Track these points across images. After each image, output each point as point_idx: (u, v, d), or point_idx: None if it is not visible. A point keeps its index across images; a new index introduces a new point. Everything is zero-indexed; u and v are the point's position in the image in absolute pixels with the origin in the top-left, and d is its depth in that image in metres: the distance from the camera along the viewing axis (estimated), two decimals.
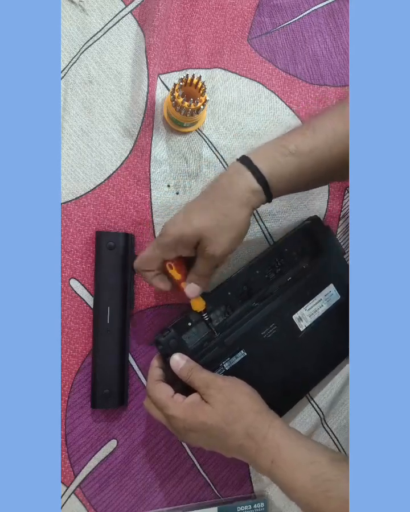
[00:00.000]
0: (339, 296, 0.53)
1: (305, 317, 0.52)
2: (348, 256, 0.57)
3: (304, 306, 0.52)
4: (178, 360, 0.45)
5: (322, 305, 0.52)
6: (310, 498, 0.38)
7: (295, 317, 0.51)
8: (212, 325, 0.49)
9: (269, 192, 0.42)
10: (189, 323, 0.48)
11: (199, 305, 0.47)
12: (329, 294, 0.53)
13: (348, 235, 0.58)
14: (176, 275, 0.46)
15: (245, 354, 0.49)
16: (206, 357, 0.48)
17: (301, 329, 0.51)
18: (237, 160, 0.43)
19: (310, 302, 0.52)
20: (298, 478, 0.38)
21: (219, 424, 0.40)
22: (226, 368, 0.49)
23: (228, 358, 0.49)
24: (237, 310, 0.50)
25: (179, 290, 0.46)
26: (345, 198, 0.58)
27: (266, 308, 0.50)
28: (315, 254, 0.53)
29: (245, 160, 0.42)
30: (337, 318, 0.53)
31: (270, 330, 0.50)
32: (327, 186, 0.57)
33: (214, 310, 0.49)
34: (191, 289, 0.45)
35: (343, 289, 0.54)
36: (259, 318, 0.50)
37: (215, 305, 0.49)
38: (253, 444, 0.40)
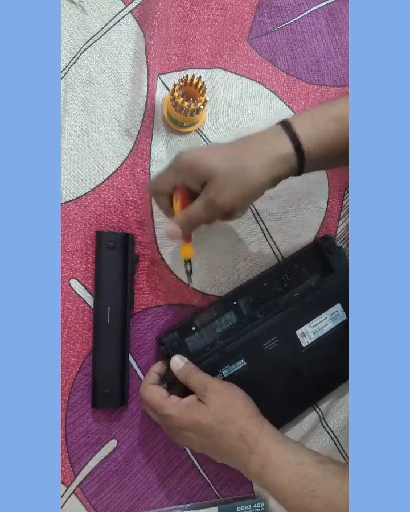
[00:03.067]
0: (346, 317, 0.53)
1: (309, 333, 0.51)
2: None
3: (309, 323, 0.52)
4: (178, 362, 0.46)
5: (327, 324, 0.52)
6: (297, 499, 0.39)
7: (298, 332, 0.51)
8: (214, 330, 0.49)
9: (302, 160, 0.40)
10: (194, 328, 0.49)
11: (187, 252, 0.46)
12: (335, 314, 0.52)
13: (348, 235, 0.58)
14: (177, 209, 0.43)
15: (245, 363, 0.49)
16: (206, 362, 0.48)
17: (303, 345, 0.51)
18: (277, 123, 0.41)
19: (315, 319, 0.52)
20: (286, 479, 0.39)
21: (213, 423, 0.41)
22: (225, 376, 0.49)
23: (227, 366, 0.49)
24: (241, 320, 0.51)
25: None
26: (345, 198, 0.58)
27: (270, 320, 0.50)
28: (325, 272, 0.53)
29: (285, 124, 0.40)
30: (342, 338, 0.52)
31: (272, 343, 0.50)
32: (327, 186, 0.57)
33: (220, 317, 0.50)
34: (170, 228, 0.42)
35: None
36: (263, 329, 0.50)
37: (221, 312, 0.50)
38: (244, 446, 0.41)
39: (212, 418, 0.41)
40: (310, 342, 0.51)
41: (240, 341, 0.49)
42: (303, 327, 0.51)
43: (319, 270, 0.53)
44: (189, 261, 0.46)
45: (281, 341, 0.50)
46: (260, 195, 0.41)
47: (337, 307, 0.53)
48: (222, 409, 0.42)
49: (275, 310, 0.51)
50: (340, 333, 0.52)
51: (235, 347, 0.49)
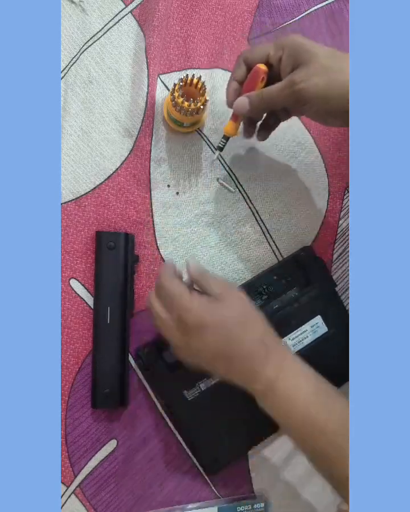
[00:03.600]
0: (326, 329, 0.52)
1: (288, 346, 0.51)
2: (340, 288, 0.56)
3: (288, 336, 0.51)
4: (194, 264, 0.42)
5: (307, 336, 0.52)
6: (310, 407, 0.37)
7: None
8: None
9: None
10: None
11: (230, 128, 0.47)
12: (315, 326, 0.52)
13: (348, 235, 0.58)
14: (258, 87, 0.43)
15: None
16: (183, 375, 0.48)
17: None
18: None
19: (295, 332, 0.51)
20: (302, 386, 0.38)
21: (239, 318, 0.38)
22: (202, 389, 0.49)
23: (205, 379, 0.49)
24: None
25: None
26: (345, 198, 0.58)
27: None
28: (305, 284, 0.52)
29: None
30: (323, 351, 0.52)
31: None
32: (327, 186, 0.57)
33: None
34: (241, 100, 0.43)
35: (331, 321, 0.52)
36: None
37: None
38: (263, 350, 0.38)
39: (237, 313, 0.38)
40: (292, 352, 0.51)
41: None
42: (283, 340, 0.51)
43: (298, 282, 0.52)
44: (227, 139, 0.48)
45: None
46: (335, 111, 0.40)
47: (318, 319, 0.52)
48: (245, 308, 0.39)
49: None
50: (322, 346, 0.52)
51: None
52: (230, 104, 0.45)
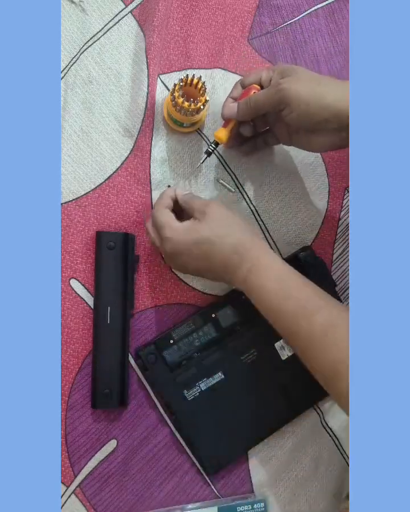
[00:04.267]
0: None
1: (288, 346, 0.51)
2: (340, 288, 0.56)
3: None
4: (180, 191, 0.47)
5: None
6: (273, 300, 0.41)
7: (277, 345, 0.52)
8: (192, 343, 0.50)
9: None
10: (171, 341, 0.50)
11: (221, 134, 0.48)
12: None
13: (348, 234, 0.58)
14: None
15: (223, 376, 0.50)
16: (183, 375, 0.49)
17: (282, 358, 0.51)
18: None
19: None
20: (265, 284, 0.41)
21: (210, 236, 0.42)
22: (202, 389, 0.50)
23: (205, 379, 0.50)
24: (219, 332, 0.51)
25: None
26: (345, 198, 0.58)
27: (248, 333, 0.51)
28: None
29: None
30: None
31: (250, 356, 0.51)
32: (327, 186, 0.57)
33: (198, 329, 0.50)
34: (229, 107, 0.47)
35: None
36: (241, 342, 0.50)
37: (199, 325, 0.50)
38: (237, 257, 0.42)
39: (209, 232, 0.42)
40: (289, 354, 0.52)
41: (217, 354, 0.50)
42: (282, 340, 0.51)
43: None
44: (217, 144, 0.49)
45: (259, 354, 0.51)
46: (315, 122, 0.42)
47: None
48: (221, 222, 0.43)
49: (254, 323, 0.50)
50: None
51: (213, 361, 0.50)
52: (224, 115, 0.48)
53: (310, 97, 0.41)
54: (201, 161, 0.51)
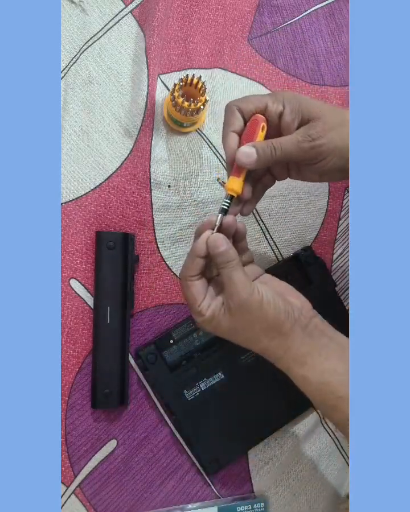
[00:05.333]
0: None
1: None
2: (340, 288, 0.56)
3: None
4: (220, 240, 0.38)
5: None
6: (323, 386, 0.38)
7: None
8: (192, 343, 0.50)
9: None
10: (171, 341, 0.50)
11: (234, 185, 0.39)
12: None
13: (348, 234, 0.58)
14: (261, 137, 0.39)
15: (222, 376, 0.50)
16: (183, 375, 0.49)
17: None
18: None
19: None
20: (309, 376, 0.39)
21: (232, 339, 0.40)
22: (202, 389, 0.50)
23: (205, 379, 0.50)
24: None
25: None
26: (345, 198, 0.58)
27: None
28: (305, 284, 0.52)
29: None
30: None
31: (250, 356, 0.51)
32: (327, 186, 0.57)
33: (198, 329, 0.50)
34: (246, 150, 0.38)
35: (331, 321, 0.51)
36: None
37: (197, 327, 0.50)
38: (272, 354, 0.40)
39: (233, 335, 0.40)
40: None
41: (217, 354, 0.50)
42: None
43: (298, 282, 0.50)
44: (231, 198, 0.39)
45: (258, 354, 0.50)
46: (345, 166, 0.39)
47: None
48: (242, 331, 0.39)
49: None
50: None
51: (213, 360, 0.50)
52: (231, 158, 0.39)
53: (345, 144, 0.38)
54: (217, 224, 0.39)
